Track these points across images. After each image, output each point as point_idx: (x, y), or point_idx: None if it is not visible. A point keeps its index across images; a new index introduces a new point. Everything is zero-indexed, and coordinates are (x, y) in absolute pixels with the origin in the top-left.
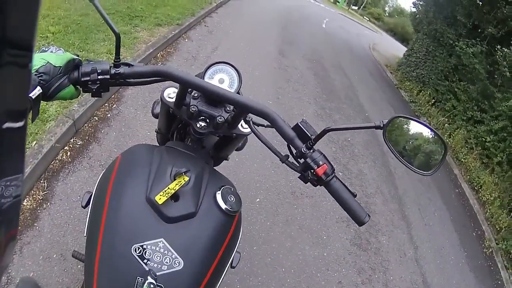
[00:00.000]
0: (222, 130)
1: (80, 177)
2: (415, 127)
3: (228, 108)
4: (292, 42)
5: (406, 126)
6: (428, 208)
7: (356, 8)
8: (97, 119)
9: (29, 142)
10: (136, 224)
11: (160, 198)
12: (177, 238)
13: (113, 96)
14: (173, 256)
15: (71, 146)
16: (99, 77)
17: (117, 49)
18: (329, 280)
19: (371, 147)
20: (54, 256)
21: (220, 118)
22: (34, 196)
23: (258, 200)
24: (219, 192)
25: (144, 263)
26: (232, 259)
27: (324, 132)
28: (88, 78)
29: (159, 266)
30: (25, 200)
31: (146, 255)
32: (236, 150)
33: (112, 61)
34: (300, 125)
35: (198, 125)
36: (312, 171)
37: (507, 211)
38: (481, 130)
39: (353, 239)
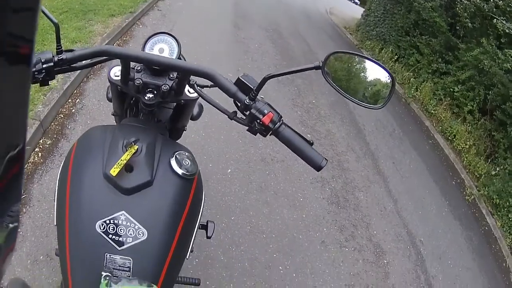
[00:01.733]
0: (169, 98)
1: (54, 175)
2: (358, 63)
3: (171, 76)
4: (247, 14)
5: (348, 63)
6: (403, 161)
7: None
8: (62, 116)
9: None
10: (96, 201)
11: (114, 171)
12: (137, 209)
13: (75, 91)
14: (136, 227)
15: (41, 147)
16: (43, 66)
17: (57, 37)
18: (312, 241)
19: (337, 107)
20: (41, 257)
21: (164, 86)
22: None
23: (229, 171)
24: (173, 158)
25: (109, 238)
26: (207, 228)
27: (264, 80)
28: (33, 69)
29: (124, 239)
30: None
31: (110, 229)
32: (192, 119)
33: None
34: (242, 79)
35: (146, 97)
36: (258, 121)
37: (484, 157)
38: (448, 81)
39: (330, 198)
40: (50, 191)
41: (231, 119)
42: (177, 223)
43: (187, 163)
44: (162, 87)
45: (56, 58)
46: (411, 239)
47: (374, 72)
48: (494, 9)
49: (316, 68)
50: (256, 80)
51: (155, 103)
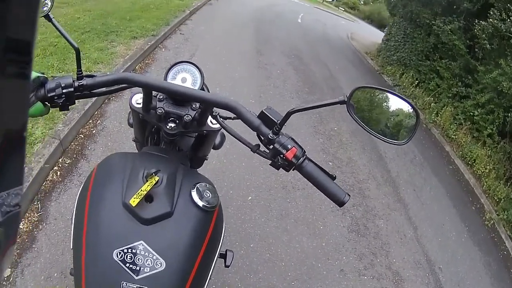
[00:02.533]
0: (192, 128)
1: (72, 195)
2: (382, 97)
3: (194, 106)
4: (268, 41)
5: (372, 97)
6: (424, 188)
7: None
8: (83, 136)
9: None
10: (115, 230)
11: (134, 201)
12: (156, 239)
13: (96, 113)
14: (154, 258)
15: (60, 165)
16: (63, 91)
17: (78, 62)
18: (331, 269)
19: (359, 134)
20: (55, 274)
21: (187, 116)
22: (30, 218)
23: (250, 198)
24: (194, 189)
25: (126, 267)
26: (225, 257)
27: (288, 114)
28: (53, 94)
29: (142, 268)
30: (21, 223)
31: (128, 258)
32: (214, 149)
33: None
34: (265, 112)
35: (168, 127)
36: (282, 155)
37: (503, 181)
38: (468, 104)
39: (350, 226)
40: (67, 209)
41: (254, 152)
42: (196, 255)
43: (208, 195)
44: (185, 117)
45: (76, 84)
46: (430, 266)
47: (398, 106)
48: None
49: (341, 103)
50: (280, 114)
51: (177, 133)
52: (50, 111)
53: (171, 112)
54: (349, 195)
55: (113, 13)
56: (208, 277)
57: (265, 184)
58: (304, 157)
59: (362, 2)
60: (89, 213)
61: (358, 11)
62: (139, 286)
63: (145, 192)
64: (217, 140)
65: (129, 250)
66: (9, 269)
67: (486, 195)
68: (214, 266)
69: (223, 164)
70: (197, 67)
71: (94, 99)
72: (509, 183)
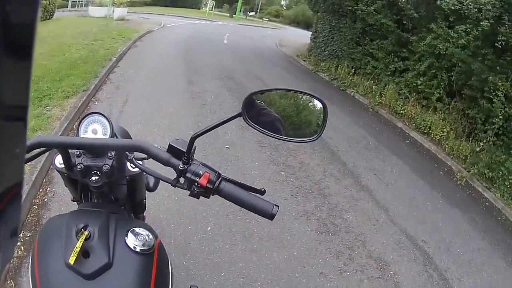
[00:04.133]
0: (114, 177)
1: None
2: (287, 98)
3: (110, 155)
4: (198, 69)
5: (277, 100)
6: (385, 169)
7: (253, 13)
8: (36, 207)
9: None
10: None
11: (71, 259)
12: None
13: (44, 180)
14: None
15: (22, 240)
16: None
17: None
18: (310, 275)
19: None
20: None
21: (105, 166)
22: None
23: (209, 228)
24: (127, 235)
25: None
26: None
27: (192, 140)
28: None
29: None
30: None
31: None
32: (149, 191)
33: None
34: (172, 144)
35: (92, 180)
36: (196, 183)
37: (464, 138)
38: (409, 76)
39: (318, 228)
40: None
41: (174, 186)
42: None
43: (142, 238)
44: (103, 167)
45: None
46: (412, 241)
47: (306, 103)
48: None
49: (238, 116)
50: (186, 142)
51: (102, 184)
52: None
53: (91, 166)
54: (278, 206)
55: (43, 77)
56: None
57: (221, 210)
58: (220, 179)
59: (284, 8)
60: (40, 277)
61: (282, 18)
62: None
63: (79, 249)
64: (151, 181)
65: None
66: None
67: (451, 156)
68: None
69: (175, 202)
70: (104, 116)
71: (39, 167)
72: (470, 138)
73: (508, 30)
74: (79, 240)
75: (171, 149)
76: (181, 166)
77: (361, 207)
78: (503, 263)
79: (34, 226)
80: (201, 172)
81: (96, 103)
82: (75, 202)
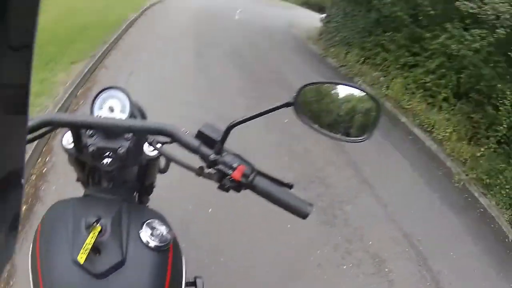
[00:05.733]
0: (129, 160)
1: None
2: (337, 91)
3: (127, 136)
4: (208, 43)
5: (325, 93)
6: (385, 163)
7: None
8: (34, 177)
9: None
10: None
11: (81, 258)
12: None
13: (44, 149)
14: None
15: None
16: None
17: None
18: (307, 267)
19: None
20: None
21: (120, 149)
22: None
23: (210, 210)
24: (142, 229)
25: None
26: (195, 285)
27: (229, 129)
28: None
29: None
30: None
31: None
32: (161, 173)
33: None
34: (203, 131)
35: (104, 163)
36: (229, 177)
37: (466, 141)
38: (418, 72)
39: (317, 218)
40: None
41: (199, 176)
42: None
43: (158, 232)
44: (119, 150)
45: None
46: (408, 240)
47: (355, 98)
48: None
49: (287, 105)
50: (220, 130)
51: (115, 168)
52: None
53: (104, 148)
54: (312, 205)
55: (50, 41)
56: None
57: (223, 199)
58: (255, 173)
59: None
60: (43, 275)
61: None
62: None
63: (90, 246)
64: (162, 163)
65: None
66: None
67: (451, 158)
68: None
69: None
70: (123, 91)
71: None
72: (472, 142)
73: None
74: (91, 236)
75: (202, 136)
76: (212, 157)
77: (360, 200)
78: (492, 272)
79: (31, 199)
80: (235, 165)
81: (103, 69)
82: (80, 183)
